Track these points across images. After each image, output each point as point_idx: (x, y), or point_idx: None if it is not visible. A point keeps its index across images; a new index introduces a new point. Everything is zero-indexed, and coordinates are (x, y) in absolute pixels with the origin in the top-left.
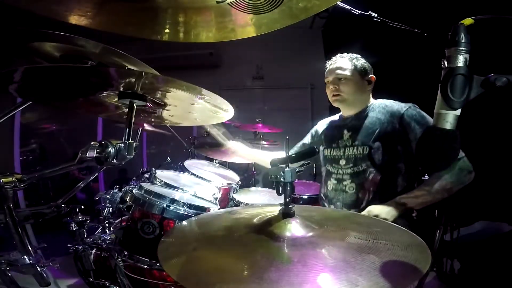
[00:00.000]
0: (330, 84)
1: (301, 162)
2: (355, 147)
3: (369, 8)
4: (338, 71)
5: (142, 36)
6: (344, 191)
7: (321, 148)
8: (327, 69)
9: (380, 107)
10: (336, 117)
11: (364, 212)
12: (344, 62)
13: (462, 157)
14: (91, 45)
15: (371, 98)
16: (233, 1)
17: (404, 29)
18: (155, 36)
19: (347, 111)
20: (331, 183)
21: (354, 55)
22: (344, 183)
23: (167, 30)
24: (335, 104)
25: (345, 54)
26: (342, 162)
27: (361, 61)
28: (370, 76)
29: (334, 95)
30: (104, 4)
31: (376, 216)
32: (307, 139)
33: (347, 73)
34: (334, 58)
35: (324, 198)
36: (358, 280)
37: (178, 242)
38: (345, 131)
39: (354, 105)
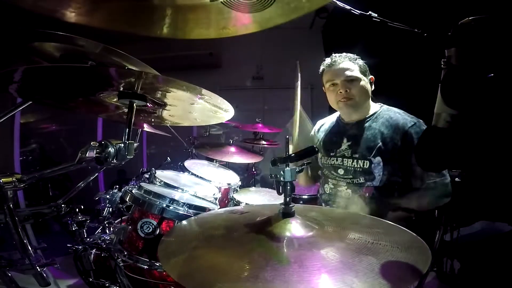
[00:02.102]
0: (338, 87)
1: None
2: (355, 160)
3: (369, 8)
4: (347, 73)
5: (140, 33)
6: (340, 196)
7: (319, 155)
8: (330, 70)
9: (384, 118)
10: (333, 118)
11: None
12: (348, 63)
13: (446, 183)
14: (91, 45)
15: (373, 103)
16: (227, 0)
17: (404, 29)
18: (153, 33)
19: (350, 116)
20: (328, 187)
21: (353, 55)
22: (340, 189)
23: (166, 27)
24: (344, 109)
25: (343, 54)
26: (341, 171)
27: (362, 62)
28: (370, 76)
29: (344, 99)
30: (103, 1)
31: None
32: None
33: (357, 74)
34: (333, 58)
35: (321, 198)
36: (353, 281)
37: (178, 241)
38: (345, 140)
39: (361, 109)
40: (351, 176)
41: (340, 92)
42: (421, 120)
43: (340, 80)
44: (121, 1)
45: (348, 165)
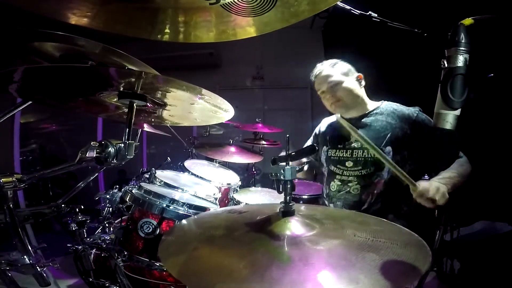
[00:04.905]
0: (326, 94)
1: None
2: (365, 150)
3: (369, 8)
4: (328, 79)
5: (142, 36)
6: (348, 192)
7: (325, 148)
8: (316, 80)
9: (389, 110)
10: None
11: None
12: (329, 70)
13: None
14: (91, 45)
15: (369, 99)
16: (227, 3)
17: (404, 29)
18: (155, 36)
19: (348, 114)
20: (335, 184)
21: (333, 61)
22: (349, 184)
23: (167, 30)
24: (337, 111)
25: (325, 62)
26: (349, 163)
27: (342, 65)
28: (357, 75)
29: (333, 103)
30: (104, 4)
31: (438, 188)
32: (310, 141)
33: (338, 78)
34: (316, 68)
35: (325, 197)
36: (359, 278)
37: (178, 241)
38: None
39: (355, 107)
40: (360, 167)
41: (328, 97)
42: (417, 107)
43: (325, 87)
44: (122, 4)
45: (358, 156)
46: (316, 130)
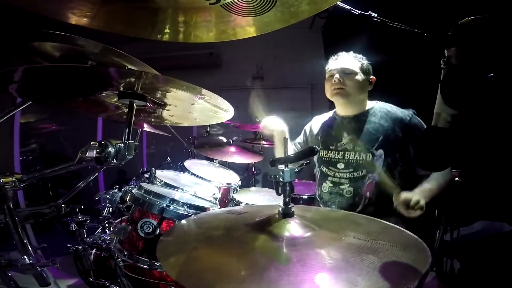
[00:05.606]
0: (334, 77)
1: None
2: (357, 153)
3: (369, 8)
4: (345, 65)
5: (142, 36)
6: (341, 195)
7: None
8: (331, 64)
9: (382, 112)
10: (329, 114)
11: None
12: (350, 59)
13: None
14: (91, 45)
15: (368, 100)
16: (227, 3)
17: (404, 29)
18: (155, 36)
19: (344, 110)
20: (327, 185)
21: (359, 55)
22: (341, 187)
23: (167, 30)
24: (336, 98)
25: (351, 52)
26: (341, 165)
27: (365, 61)
28: (371, 77)
29: (336, 88)
30: (104, 4)
31: (419, 201)
32: (300, 139)
33: (355, 68)
34: (338, 54)
35: (319, 199)
36: (357, 280)
37: (177, 241)
38: (345, 134)
39: (354, 103)
40: (351, 170)
41: (334, 81)
42: (414, 111)
43: (337, 71)
44: (122, 4)
45: (350, 158)
46: (306, 128)
